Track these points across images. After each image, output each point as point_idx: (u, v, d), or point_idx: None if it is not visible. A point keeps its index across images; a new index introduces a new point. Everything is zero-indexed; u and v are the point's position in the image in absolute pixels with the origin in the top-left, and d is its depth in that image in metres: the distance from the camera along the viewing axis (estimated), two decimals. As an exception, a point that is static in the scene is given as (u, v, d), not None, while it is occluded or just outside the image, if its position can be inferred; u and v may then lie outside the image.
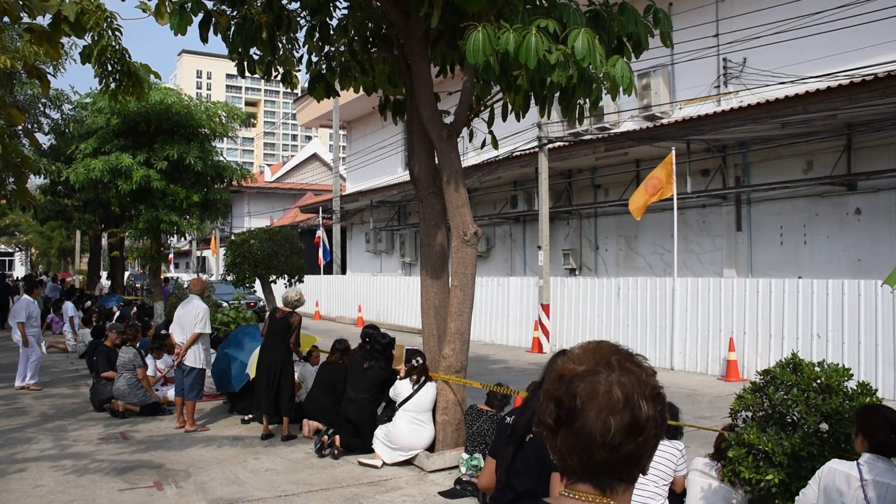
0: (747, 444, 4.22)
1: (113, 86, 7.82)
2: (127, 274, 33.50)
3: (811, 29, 13.42)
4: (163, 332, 12.00)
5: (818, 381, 4.33)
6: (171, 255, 38.46)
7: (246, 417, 9.48)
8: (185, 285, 19.95)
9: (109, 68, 7.66)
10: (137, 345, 10.40)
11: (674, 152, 13.14)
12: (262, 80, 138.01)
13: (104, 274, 33.92)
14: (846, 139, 13.89)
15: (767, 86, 14.60)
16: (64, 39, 7.37)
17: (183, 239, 27.64)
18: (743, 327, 12.68)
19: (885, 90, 11.60)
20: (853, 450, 3.64)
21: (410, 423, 7.36)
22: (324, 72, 8.29)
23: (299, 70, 8.43)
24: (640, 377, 1.37)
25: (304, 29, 7.81)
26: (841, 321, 11.23)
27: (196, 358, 8.95)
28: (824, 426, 4.31)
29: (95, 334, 13.05)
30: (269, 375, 8.49)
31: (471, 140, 8.31)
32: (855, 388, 4.38)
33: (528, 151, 18.32)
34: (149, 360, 11.01)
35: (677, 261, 14.20)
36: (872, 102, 12.05)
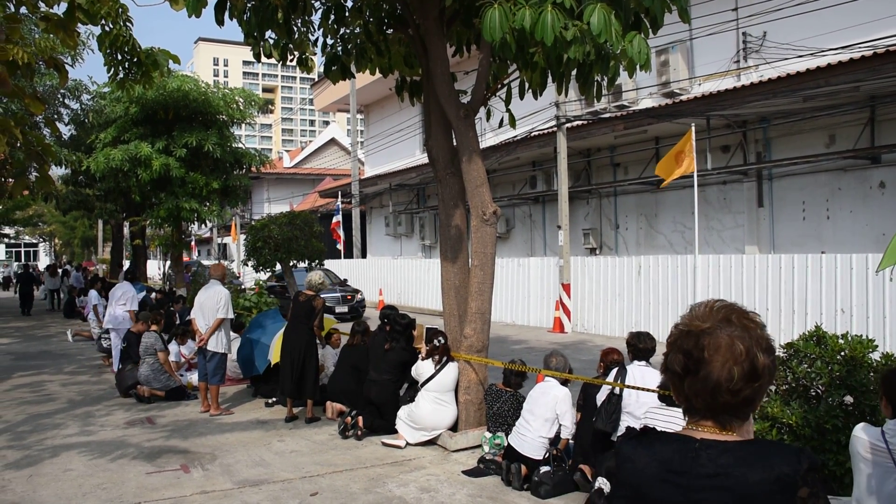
0: (771, 418, 4.19)
1: (121, 74, 7.87)
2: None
3: (831, 0, 13.18)
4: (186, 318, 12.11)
5: (842, 353, 4.29)
6: (193, 242, 38.72)
7: (270, 401, 9.56)
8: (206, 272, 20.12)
9: (119, 57, 7.70)
10: (160, 329, 10.49)
11: (693, 129, 12.99)
12: (279, 66, 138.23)
13: (126, 263, 34.25)
14: (869, 112, 13.67)
15: (787, 59, 14.39)
16: (80, 28, 7.43)
17: (203, 226, 27.85)
18: (766, 304, 12.58)
19: (909, 60, 11.38)
20: (878, 422, 3.60)
21: (433, 402, 7.39)
22: (339, 54, 8.27)
23: (315, 53, 8.42)
24: (755, 332, 1.60)
25: (320, 11, 7.79)
26: (865, 296, 11.10)
27: (218, 343, 9.02)
28: (849, 399, 4.26)
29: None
30: (294, 359, 8.55)
31: (488, 119, 8.26)
32: (880, 359, 4.33)
33: (546, 131, 18.21)
34: (172, 345, 11.13)
35: (698, 238, 14.08)
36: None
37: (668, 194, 18.00)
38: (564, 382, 6.50)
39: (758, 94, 13.66)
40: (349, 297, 21.56)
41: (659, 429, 1.71)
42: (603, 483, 2.59)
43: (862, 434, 3.45)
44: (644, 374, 5.84)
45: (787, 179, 15.42)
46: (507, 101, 7.90)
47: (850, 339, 4.37)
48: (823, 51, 13.48)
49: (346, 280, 24.05)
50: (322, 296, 12.14)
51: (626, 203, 19.69)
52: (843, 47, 12.91)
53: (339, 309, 20.62)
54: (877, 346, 4.36)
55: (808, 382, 4.29)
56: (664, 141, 17.68)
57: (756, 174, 15.89)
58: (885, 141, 13.46)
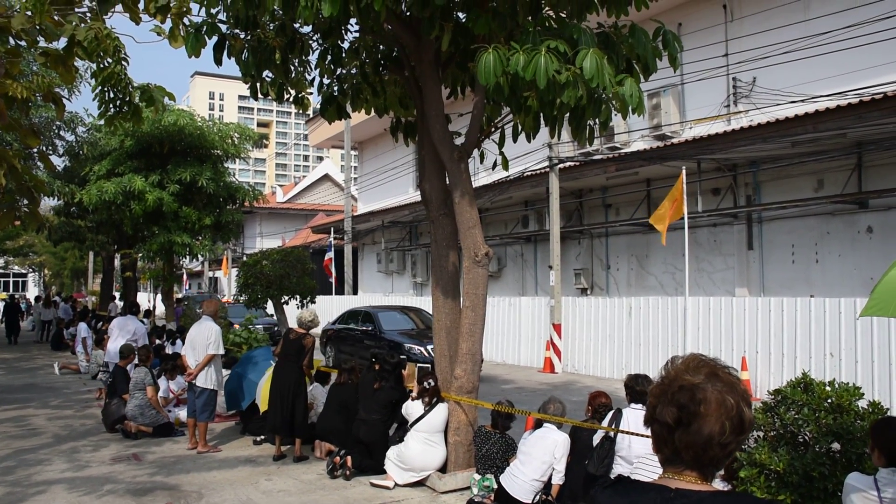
0: (759, 464, 4.20)
1: (111, 111, 7.93)
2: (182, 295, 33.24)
3: (820, 48, 13.46)
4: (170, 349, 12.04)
5: (829, 400, 4.32)
6: (184, 276, 38.62)
7: (258, 438, 9.48)
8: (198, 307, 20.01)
9: (111, 95, 7.77)
10: (149, 365, 10.43)
11: (684, 172, 13.14)
12: (275, 102, 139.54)
13: (117, 295, 34.08)
14: (857, 157, 13.87)
15: (777, 105, 14.62)
16: (78, 63, 7.50)
17: (195, 259, 27.80)
18: (755, 346, 12.61)
19: (895, 108, 11.59)
20: (865, 469, 3.62)
21: (422, 443, 7.35)
22: (335, 94, 8.37)
23: (311, 92, 8.52)
24: (739, 387, 1.67)
25: (317, 52, 7.90)
26: (854, 340, 11.15)
27: (208, 379, 8.98)
28: (836, 446, 4.28)
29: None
30: (283, 396, 8.50)
31: (482, 161, 8.35)
32: (866, 407, 4.36)
33: (538, 171, 18.37)
34: (161, 381, 11.05)
35: (689, 280, 14.16)
36: (882, 121, 12.05)
37: (659, 236, 18.08)
38: (560, 427, 6.50)
39: (747, 138, 13.86)
40: None
41: (647, 478, 1.74)
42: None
43: (855, 482, 3.50)
44: (639, 418, 5.83)
45: (777, 223, 15.57)
46: (501, 144, 7.99)
47: (836, 386, 4.40)
48: (813, 97, 13.72)
49: None
50: (428, 346, 12.08)
51: (617, 244, 19.80)
52: (832, 94, 13.14)
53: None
54: (863, 394, 4.39)
55: (795, 429, 4.31)
56: (655, 183, 17.84)
57: (746, 217, 16.04)
58: (873, 186, 13.64)
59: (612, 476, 5.43)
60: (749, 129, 13.87)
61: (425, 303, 21.97)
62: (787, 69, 14.44)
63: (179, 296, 32.21)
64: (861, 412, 4.29)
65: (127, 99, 7.70)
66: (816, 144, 13.79)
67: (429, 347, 13.97)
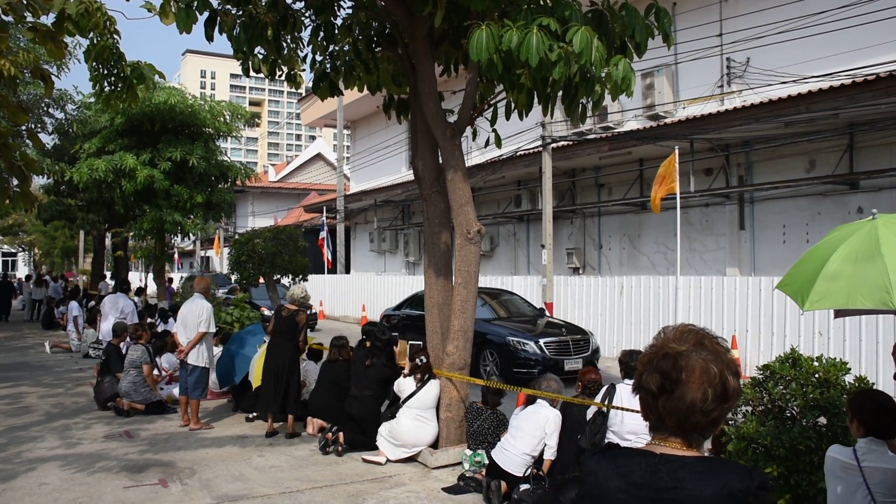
0: (747, 438, 4.26)
1: (107, 89, 7.86)
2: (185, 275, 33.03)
3: (813, 29, 13.43)
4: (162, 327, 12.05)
5: (816, 375, 4.38)
6: (176, 255, 38.54)
7: (250, 416, 9.52)
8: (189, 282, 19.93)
9: (105, 71, 7.70)
10: (146, 343, 10.44)
11: (677, 151, 13.15)
12: (266, 80, 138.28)
13: (108, 274, 34.00)
14: (848, 138, 13.90)
15: (770, 85, 14.61)
16: (67, 39, 7.43)
17: (187, 238, 27.71)
18: (746, 325, 12.70)
19: (887, 90, 11.61)
20: (851, 443, 3.67)
21: (414, 419, 7.40)
22: (328, 71, 8.33)
23: (304, 69, 8.47)
24: (725, 356, 1.70)
25: (309, 28, 7.85)
26: (842, 319, 11.23)
27: (199, 356, 8.99)
28: (822, 420, 4.34)
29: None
30: (278, 374, 8.52)
31: (474, 139, 8.34)
32: (853, 382, 4.42)
33: (531, 151, 18.34)
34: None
35: (680, 259, 14.21)
36: (874, 102, 12.06)
37: (651, 216, 18.14)
38: (552, 404, 6.54)
39: (740, 118, 13.86)
40: (579, 343, 12.40)
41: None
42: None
43: (835, 454, 3.57)
44: (631, 393, 5.87)
45: (768, 203, 15.61)
46: (493, 122, 7.98)
47: (824, 361, 4.46)
48: (805, 78, 13.71)
49: (543, 310, 15.02)
50: (542, 341, 11.63)
51: (609, 223, 19.84)
52: (824, 75, 13.13)
53: (568, 366, 11.80)
54: (850, 369, 4.46)
55: (783, 404, 4.36)
56: (648, 163, 17.85)
57: (738, 197, 16.08)
58: (864, 167, 13.68)
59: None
60: (742, 110, 13.87)
61: (418, 281, 22.01)
62: (780, 49, 14.42)
63: (172, 275, 32.16)
64: (848, 387, 4.35)
65: (121, 75, 7.63)
66: (809, 125, 13.80)
67: (542, 342, 11.78)
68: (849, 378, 4.45)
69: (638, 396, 1.79)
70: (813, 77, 13.46)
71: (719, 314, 13.17)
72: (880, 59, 12.68)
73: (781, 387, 4.39)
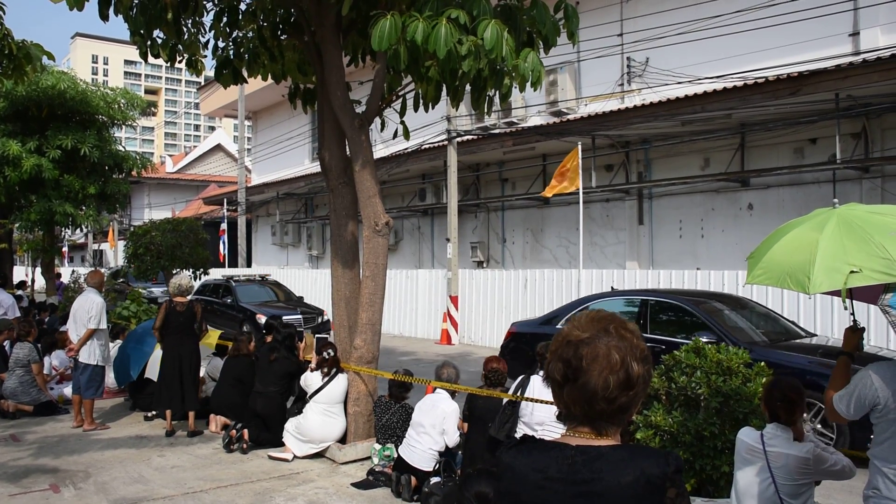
0: (654, 426, 4.38)
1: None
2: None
3: (709, 32, 13.97)
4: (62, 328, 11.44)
5: (719, 363, 4.54)
6: (65, 249, 36.73)
7: (149, 414, 9.16)
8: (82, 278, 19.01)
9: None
10: (33, 340, 9.88)
11: (580, 147, 13.45)
12: (163, 68, 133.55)
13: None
14: (740, 138, 14.56)
15: (667, 85, 15.13)
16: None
17: (79, 231, 26.45)
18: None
19: (775, 92, 12.22)
20: (753, 427, 3.83)
21: (322, 414, 7.29)
22: (231, 58, 8.07)
23: (205, 56, 8.19)
24: (632, 342, 1.66)
25: (212, 13, 7.59)
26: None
27: (91, 354, 8.54)
28: (724, 406, 4.52)
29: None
30: (181, 370, 8.23)
31: (382, 129, 8.26)
32: (752, 369, 4.61)
33: (436, 144, 18.39)
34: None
35: (582, 253, 14.55)
36: (763, 104, 12.67)
37: (554, 210, 18.53)
38: (453, 394, 6.54)
39: (640, 116, 14.30)
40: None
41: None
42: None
43: (744, 437, 3.72)
44: (544, 385, 5.91)
45: (666, 199, 16.18)
46: (402, 113, 7.92)
47: (726, 350, 4.63)
48: (699, 79, 14.26)
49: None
50: (285, 317, 11.67)
51: (513, 218, 20.12)
52: (717, 77, 13.70)
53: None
54: (750, 357, 4.65)
55: (689, 392, 4.51)
56: (551, 158, 18.18)
57: (637, 193, 16.59)
58: (754, 166, 14.37)
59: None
60: (641, 108, 14.31)
61: (321, 275, 21.76)
62: (677, 51, 14.94)
63: (61, 269, 30.65)
64: (748, 374, 4.54)
65: (7, 52, 7.18)
66: (704, 124, 14.37)
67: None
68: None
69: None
70: (706, 78, 14.01)
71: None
72: (770, 62, 13.32)
73: (686, 375, 4.54)
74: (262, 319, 14.25)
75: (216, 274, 24.51)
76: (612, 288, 10.28)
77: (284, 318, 14.02)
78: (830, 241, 3.17)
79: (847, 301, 3.19)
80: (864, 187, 12.90)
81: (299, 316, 16.48)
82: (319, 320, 17.08)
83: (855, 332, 3.53)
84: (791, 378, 3.80)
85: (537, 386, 5.90)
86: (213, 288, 17.79)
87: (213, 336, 9.82)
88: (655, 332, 8.80)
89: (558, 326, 10.41)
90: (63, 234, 24.42)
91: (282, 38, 8.01)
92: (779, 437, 3.57)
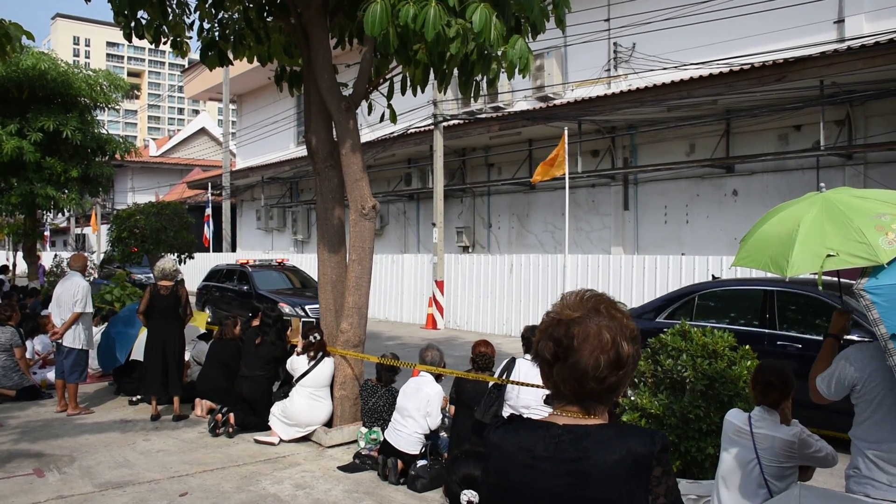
0: (640, 409, 4.42)
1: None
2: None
3: (695, 17, 13.97)
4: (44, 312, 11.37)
5: (705, 347, 4.58)
6: (47, 233, 36.39)
7: (134, 399, 9.12)
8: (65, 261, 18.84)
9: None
10: (16, 325, 9.79)
11: (566, 132, 13.45)
12: (147, 50, 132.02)
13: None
14: (725, 124, 14.61)
15: (653, 70, 15.13)
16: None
17: (61, 215, 26.19)
18: (630, 301, 13.16)
19: (760, 79, 12.25)
20: (741, 410, 3.87)
21: (308, 398, 7.29)
22: (217, 39, 7.98)
23: (190, 37, 8.09)
24: (623, 322, 1.67)
25: (197, -7, 7.50)
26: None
27: (75, 338, 8.49)
28: (710, 389, 4.56)
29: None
30: (167, 354, 8.21)
31: (369, 113, 8.22)
32: (737, 352, 4.65)
33: (422, 129, 18.34)
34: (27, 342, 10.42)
35: (568, 238, 14.58)
36: (749, 90, 12.71)
37: (540, 195, 18.55)
38: (438, 378, 6.54)
39: (626, 102, 14.31)
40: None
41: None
42: (472, 496, 2.63)
43: (732, 418, 3.76)
44: (530, 368, 5.93)
45: (651, 185, 16.23)
46: (389, 97, 7.88)
47: (712, 333, 4.67)
48: (685, 65, 14.27)
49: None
50: (309, 307, 11.32)
51: (499, 203, 20.12)
52: (702, 62, 13.72)
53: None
54: (735, 340, 4.68)
55: (674, 374, 4.54)
56: (537, 143, 18.19)
57: (623, 178, 16.63)
58: (739, 152, 14.43)
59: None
60: (628, 93, 14.32)
61: (306, 259, 21.70)
62: (664, 36, 14.93)
63: (43, 253, 30.39)
64: (733, 357, 4.58)
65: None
66: (690, 110, 14.40)
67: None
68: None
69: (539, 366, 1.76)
70: (692, 64, 14.03)
71: (605, 290, 13.56)
72: (755, 49, 13.34)
73: (672, 358, 4.57)
74: (286, 309, 13.65)
75: (202, 259, 24.37)
76: (713, 277, 9.72)
77: (308, 307, 13.60)
78: (812, 225, 3.20)
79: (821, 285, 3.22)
80: (848, 174, 12.99)
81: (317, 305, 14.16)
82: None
83: (842, 316, 3.57)
84: (777, 361, 3.83)
85: (523, 369, 5.91)
86: (227, 274, 16.56)
87: (199, 319, 9.78)
88: (788, 329, 7.44)
89: (658, 320, 8.93)
90: (45, 217, 24.14)
91: (268, 19, 7.93)
92: (766, 420, 3.61)
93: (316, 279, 15.03)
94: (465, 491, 2.75)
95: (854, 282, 3.05)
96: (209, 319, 9.86)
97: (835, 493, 2.84)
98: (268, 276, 16.12)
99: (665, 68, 14.77)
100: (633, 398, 4.61)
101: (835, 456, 3.61)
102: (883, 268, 2.92)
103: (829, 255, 3.02)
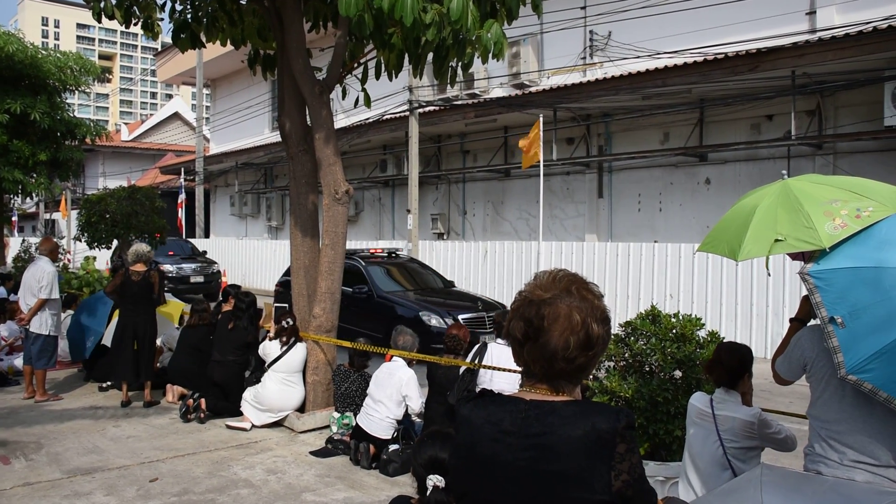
0: (609, 392, 4.46)
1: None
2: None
3: (670, 6, 14.02)
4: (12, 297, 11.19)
5: (674, 331, 4.63)
6: (14, 218, 35.82)
7: (103, 385, 9.03)
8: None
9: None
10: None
11: (541, 119, 13.46)
12: (118, 33, 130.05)
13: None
14: (699, 113, 14.70)
15: (628, 59, 15.18)
16: None
17: (29, 200, 25.79)
18: (604, 288, 13.09)
19: (733, 68, 12.34)
20: (709, 392, 3.92)
21: (280, 383, 7.26)
22: (189, 21, 7.88)
23: (162, 19, 7.97)
24: (594, 303, 1.69)
25: (168, -27, 7.39)
26: (691, 282, 11.99)
27: (42, 324, 8.37)
28: (678, 373, 4.61)
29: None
30: (139, 339, 8.15)
31: (343, 97, 8.17)
32: (706, 336, 4.71)
33: (397, 115, 18.25)
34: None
35: (542, 225, 14.63)
36: (722, 79, 12.79)
37: (515, 183, 18.58)
38: (410, 363, 6.53)
39: (601, 89, 14.35)
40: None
41: None
42: (438, 480, 2.63)
43: (695, 401, 3.81)
44: (502, 352, 5.95)
45: (625, 173, 16.31)
46: (364, 81, 7.84)
47: (681, 318, 4.72)
48: (659, 53, 14.34)
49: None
50: (461, 316, 10.34)
51: (474, 190, 20.12)
52: (677, 51, 13.78)
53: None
54: (704, 325, 4.75)
55: (643, 358, 4.59)
56: (513, 130, 18.19)
57: (597, 166, 16.70)
58: (712, 141, 14.54)
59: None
60: (603, 81, 14.36)
61: (280, 246, 21.60)
62: (639, 25, 14.97)
63: (10, 239, 29.91)
64: (701, 341, 4.64)
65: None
66: (664, 99, 14.48)
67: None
68: (702, 333, 4.74)
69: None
70: (667, 53, 14.09)
71: (578, 278, 13.70)
72: (729, 38, 13.43)
73: (642, 342, 4.62)
74: (433, 322, 10.71)
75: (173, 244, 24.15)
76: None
77: (461, 317, 10.69)
78: (766, 211, 3.26)
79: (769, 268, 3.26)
80: (818, 163, 13.15)
81: (472, 314, 11.20)
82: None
83: (808, 300, 3.61)
84: (734, 343, 3.89)
85: (496, 354, 5.94)
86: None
87: (173, 307, 9.65)
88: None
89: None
90: (12, 202, 23.75)
91: (241, 1, 7.84)
92: (727, 402, 3.67)
93: (440, 274, 13.62)
94: (431, 476, 2.75)
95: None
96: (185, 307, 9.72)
97: (796, 473, 2.88)
98: (386, 272, 12.86)
99: (640, 57, 14.82)
100: (603, 381, 4.65)
101: (794, 440, 3.67)
102: (826, 252, 2.98)
103: (776, 240, 3.07)
